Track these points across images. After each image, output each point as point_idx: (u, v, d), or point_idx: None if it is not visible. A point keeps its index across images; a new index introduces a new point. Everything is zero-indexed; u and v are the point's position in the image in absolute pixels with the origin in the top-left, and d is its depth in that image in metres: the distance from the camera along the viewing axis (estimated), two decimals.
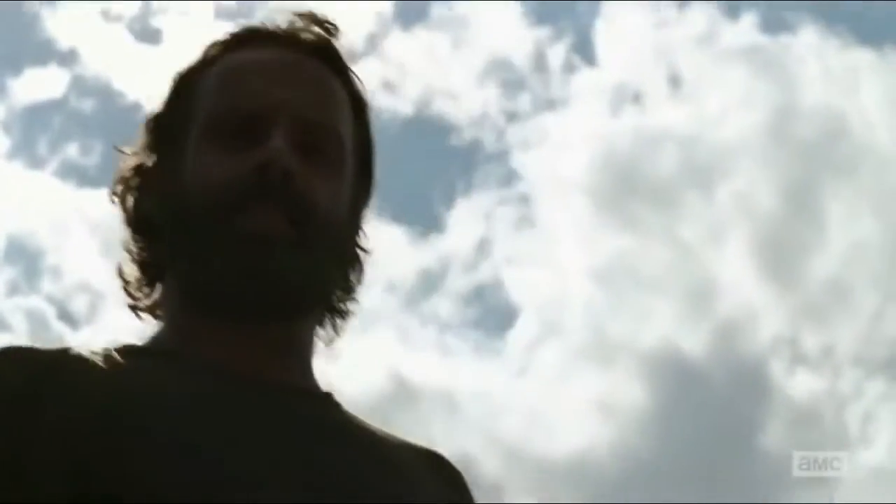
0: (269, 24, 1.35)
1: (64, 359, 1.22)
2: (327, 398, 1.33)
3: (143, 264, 1.33)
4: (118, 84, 13.18)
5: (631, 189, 12.38)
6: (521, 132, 12.52)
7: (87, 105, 13.24)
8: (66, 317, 12.07)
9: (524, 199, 12.17)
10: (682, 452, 9.56)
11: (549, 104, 12.83)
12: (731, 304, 11.13)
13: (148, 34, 15.15)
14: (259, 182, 1.25)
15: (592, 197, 12.86)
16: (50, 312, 11.96)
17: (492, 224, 12.52)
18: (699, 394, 10.48)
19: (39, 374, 1.19)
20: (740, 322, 10.89)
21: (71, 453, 1.13)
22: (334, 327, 1.36)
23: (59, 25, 13.64)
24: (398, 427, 1.39)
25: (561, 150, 12.68)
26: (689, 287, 11.59)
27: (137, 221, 1.33)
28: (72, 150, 13.07)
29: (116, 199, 1.34)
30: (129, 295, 1.35)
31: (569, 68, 12.60)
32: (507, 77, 12.80)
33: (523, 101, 12.98)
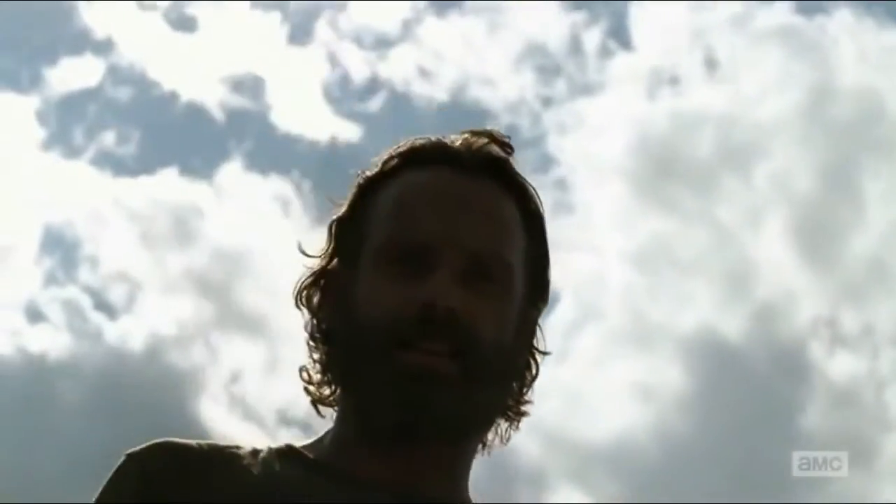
0: (447, 142, 1.41)
1: (208, 461, 1.34)
2: None
3: (322, 366, 1.40)
4: (154, 72, 13.26)
5: (668, 172, 12.36)
6: (558, 117, 12.52)
7: (123, 94, 13.30)
8: (103, 307, 12.17)
9: (561, 184, 12.15)
10: (721, 436, 9.55)
11: (586, 89, 12.83)
12: (770, 286, 11.10)
13: (183, 22, 15.22)
14: (423, 320, 1.31)
15: (630, 181, 12.85)
16: (87, 303, 12.06)
17: None
18: (738, 377, 10.46)
19: (176, 475, 1.32)
20: (779, 304, 10.86)
21: None
22: (506, 431, 1.42)
23: (94, 14, 13.73)
24: None
25: (597, 135, 12.68)
26: (727, 269, 11.57)
27: (317, 327, 1.40)
28: (108, 139, 13.14)
29: (302, 301, 1.41)
30: (310, 393, 1.41)
31: (604, 52, 12.58)
32: (542, 62, 12.79)
33: (559, 86, 12.97)
